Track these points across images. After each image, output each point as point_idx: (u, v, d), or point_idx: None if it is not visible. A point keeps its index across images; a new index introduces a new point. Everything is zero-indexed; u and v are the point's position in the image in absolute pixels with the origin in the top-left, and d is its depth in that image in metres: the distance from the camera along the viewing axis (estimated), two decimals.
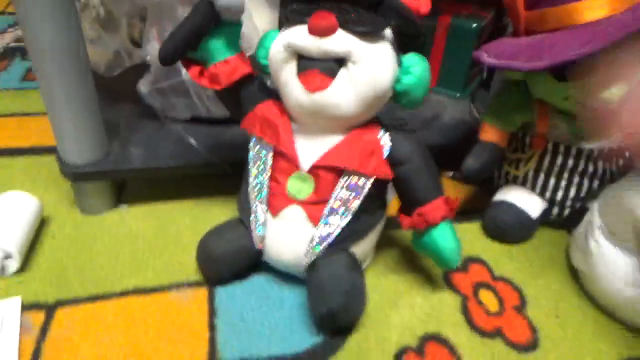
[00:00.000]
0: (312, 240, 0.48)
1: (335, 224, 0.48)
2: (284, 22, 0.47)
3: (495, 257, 0.59)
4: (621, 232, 0.48)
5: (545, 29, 0.49)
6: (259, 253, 0.52)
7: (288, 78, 0.46)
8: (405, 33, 0.45)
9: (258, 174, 0.50)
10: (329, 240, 0.48)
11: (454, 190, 0.71)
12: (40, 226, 0.60)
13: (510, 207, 0.60)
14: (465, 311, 0.52)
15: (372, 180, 0.47)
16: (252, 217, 0.51)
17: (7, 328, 0.47)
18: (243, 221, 0.53)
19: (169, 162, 0.61)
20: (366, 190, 0.47)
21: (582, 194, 0.59)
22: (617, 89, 0.48)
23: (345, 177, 0.47)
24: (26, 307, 0.50)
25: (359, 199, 0.47)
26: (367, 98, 0.44)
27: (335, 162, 0.46)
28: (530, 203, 0.60)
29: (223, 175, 0.62)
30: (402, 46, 0.46)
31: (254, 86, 0.51)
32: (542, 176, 0.59)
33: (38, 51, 0.50)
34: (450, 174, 0.72)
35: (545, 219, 0.61)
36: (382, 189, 0.50)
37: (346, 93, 0.44)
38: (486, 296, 0.54)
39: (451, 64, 0.76)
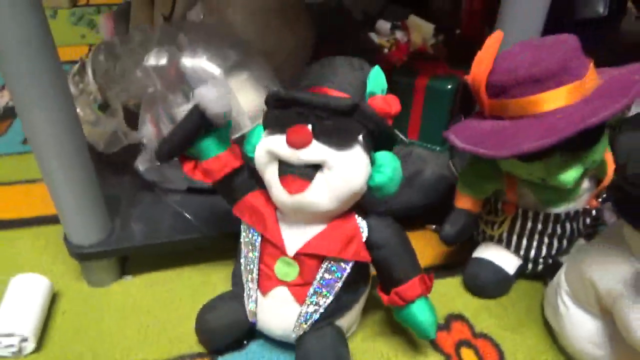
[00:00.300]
0: (298, 317, 0.53)
1: (320, 303, 0.53)
2: (266, 125, 0.51)
3: (475, 313, 0.64)
4: (584, 298, 0.53)
5: (507, 115, 0.54)
6: (253, 324, 0.57)
7: (271, 179, 0.50)
8: (378, 135, 0.50)
9: (249, 256, 0.55)
10: (315, 317, 0.53)
11: (436, 242, 0.75)
12: (52, 302, 0.64)
13: (488, 264, 0.64)
14: None
15: (352, 263, 0.51)
16: (245, 294, 0.56)
17: None
18: (236, 294, 0.58)
19: (169, 237, 0.65)
20: (347, 272, 0.52)
21: (553, 252, 0.63)
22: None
23: (327, 262, 0.51)
24: None
25: (340, 280, 0.52)
26: (343, 196, 0.49)
27: (317, 250, 0.51)
28: (506, 260, 0.65)
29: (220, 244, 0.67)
30: (375, 144, 0.51)
31: (244, 176, 0.56)
32: (514, 237, 0.63)
33: (37, 141, 0.54)
34: (433, 227, 0.77)
35: (520, 273, 0.66)
36: (363, 268, 0.55)
37: (323, 194, 0.48)
38: (468, 355, 0.59)
39: (430, 120, 0.80)
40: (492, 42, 0.54)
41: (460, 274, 0.69)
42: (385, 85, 0.52)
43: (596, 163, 0.55)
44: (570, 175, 0.53)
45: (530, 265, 0.65)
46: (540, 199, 0.60)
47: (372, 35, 1.34)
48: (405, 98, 0.77)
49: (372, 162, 0.50)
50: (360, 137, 0.48)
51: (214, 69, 0.63)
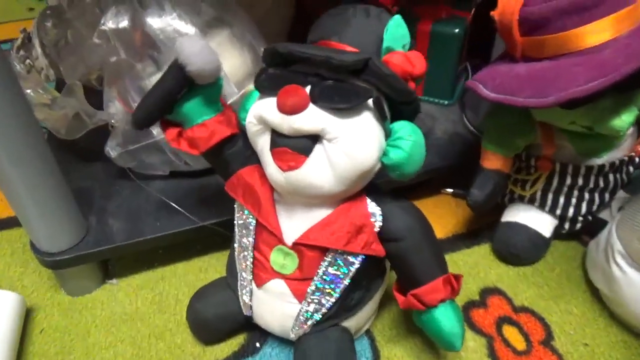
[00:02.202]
0: (298, 316, 0.45)
1: (322, 302, 0.44)
2: (258, 87, 0.42)
3: (512, 285, 0.57)
4: None
5: (544, 55, 0.45)
6: (249, 317, 0.49)
7: (263, 152, 0.41)
8: (394, 101, 0.41)
9: (243, 241, 0.46)
10: (316, 318, 0.45)
11: (455, 207, 0.68)
12: (26, 319, 0.55)
13: (522, 228, 0.57)
14: (493, 355, 0.50)
15: (361, 258, 0.42)
16: (238, 283, 0.48)
17: None
18: (230, 282, 0.50)
19: (155, 232, 0.56)
20: (355, 268, 0.43)
21: (594, 208, 0.56)
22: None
23: (331, 255, 0.42)
24: None
25: (347, 277, 0.43)
26: (348, 176, 0.39)
27: (318, 241, 0.42)
28: (541, 222, 0.57)
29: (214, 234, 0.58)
30: (393, 112, 0.42)
31: (238, 147, 0.46)
32: (550, 195, 0.56)
33: None
34: (450, 191, 0.69)
35: (556, 235, 0.59)
36: (377, 260, 0.45)
37: (323, 172, 0.39)
38: (511, 333, 0.52)
39: (436, 71, 0.71)
40: None
41: (487, 241, 0.62)
42: (407, 39, 0.43)
43: None
44: (624, 120, 0.45)
45: (567, 225, 0.58)
46: (581, 150, 0.52)
47: None
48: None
49: (388, 134, 0.41)
50: (370, 102, 0.39)
51: (187, 27, 0.52)
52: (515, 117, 0.53)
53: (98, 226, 0.56)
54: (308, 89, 0.38)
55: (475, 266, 0.59)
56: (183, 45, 0.39)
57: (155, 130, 0.56)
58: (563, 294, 0.56)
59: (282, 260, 0.44)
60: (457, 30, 0.67)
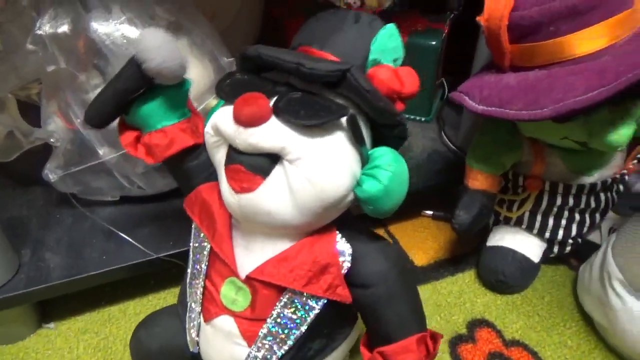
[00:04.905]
0: None
1: (274, 349, 0.37)
2: (219, 94, 0.36)
3: (500, 315, 0.52)
4: None
5: (536, 64, 0.42)
6: (196, 355, 0.42)
7: (219, 168, 0.35)
8: (375, 122, 0.35)
9: (196, 266, 0.40)
10: None
11: (437, 231, 0.63)
12: None
13: (509, 253, 0.53)
14: None
15: (323, 302, 0.36)
16: (187, 315, 0.41)
17: None
18: (179, 312, 0.43)
19: (100, 266, 0.48)
20: (314, 314, 0.36)
21: (585, 230, 0.52)
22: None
23: (288, 296, 0.36)
24: None
25: (305, 323, 0.36)
26: (310, 207, 0.33)
27: (274, 278, 0.35)
28: (529, 246, 0.53)
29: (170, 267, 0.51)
30: (376, 137, 0.36)
31: (202, 160, 0.39)
32: (539, 217, 0.52)
33: None
34: (430, 213, 0.64)
35: (544, 259, 0.55)
36: (344, 307, 0.37)
37: (281, 198, 0.33)
38: None
39: None
40: None
41: (472, 267, 0.58)
42: (400, 53, 0.37)
43: None
44: (622, 134, 0.41)
45: (556, 248, 0.54)
46: (573, 168, 0.48)
47: None
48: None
49: (364, 161, 0.34)
50: (344, 121, 0.33)
51: (138, 33, 0.46)
52: (502, 132, 0.49)
53: (33, 261, 0.49)
54: (274, 99, 0.33)
55: (460, 295, 0.55)
56: (143, 38, 0.33)
57: (102, 150, 0.49)
58: (555, 324, 0.51)
59: (233, 295, 0.37)
60: (434, 43, 0.64)
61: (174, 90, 0.37)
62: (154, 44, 0.33)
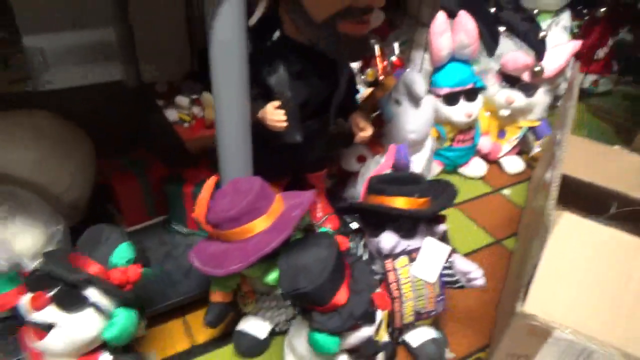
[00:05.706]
0: None
1: None
2: None
3: None
4: None
5: (225, 240, 0.75)
6: None
7: None
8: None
9: None
10: None
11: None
12: None
13: (245, 335, 0.86)
14: None
15: None
16: None
17: None
18: None
19: None
20: None
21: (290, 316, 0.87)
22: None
23: None
24: None
25: None
26: None
27: None
28: (258, 328, 0.86)
29: None
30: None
31: None
32: (262, 310, 0.86)
33: None
34: None
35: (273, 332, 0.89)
36: None
37: None
38: None
39: None
40: (208, 187, 0.74)
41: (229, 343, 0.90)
42: (131, 256, 0.68)
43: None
44: (272, 277, 0.75)
45: (278, 327, 0.88)
46: (265, 285, 0.82)
47: (172, 111, 1.50)
48: (176, 201, 0.95)
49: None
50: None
51: None
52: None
53: None
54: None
55: None
56: None
57: None
58: None
59: None
60: None
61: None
62: None
